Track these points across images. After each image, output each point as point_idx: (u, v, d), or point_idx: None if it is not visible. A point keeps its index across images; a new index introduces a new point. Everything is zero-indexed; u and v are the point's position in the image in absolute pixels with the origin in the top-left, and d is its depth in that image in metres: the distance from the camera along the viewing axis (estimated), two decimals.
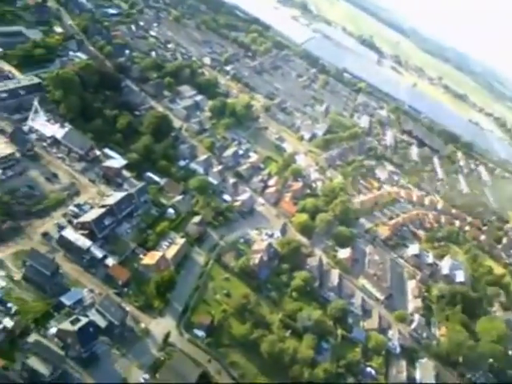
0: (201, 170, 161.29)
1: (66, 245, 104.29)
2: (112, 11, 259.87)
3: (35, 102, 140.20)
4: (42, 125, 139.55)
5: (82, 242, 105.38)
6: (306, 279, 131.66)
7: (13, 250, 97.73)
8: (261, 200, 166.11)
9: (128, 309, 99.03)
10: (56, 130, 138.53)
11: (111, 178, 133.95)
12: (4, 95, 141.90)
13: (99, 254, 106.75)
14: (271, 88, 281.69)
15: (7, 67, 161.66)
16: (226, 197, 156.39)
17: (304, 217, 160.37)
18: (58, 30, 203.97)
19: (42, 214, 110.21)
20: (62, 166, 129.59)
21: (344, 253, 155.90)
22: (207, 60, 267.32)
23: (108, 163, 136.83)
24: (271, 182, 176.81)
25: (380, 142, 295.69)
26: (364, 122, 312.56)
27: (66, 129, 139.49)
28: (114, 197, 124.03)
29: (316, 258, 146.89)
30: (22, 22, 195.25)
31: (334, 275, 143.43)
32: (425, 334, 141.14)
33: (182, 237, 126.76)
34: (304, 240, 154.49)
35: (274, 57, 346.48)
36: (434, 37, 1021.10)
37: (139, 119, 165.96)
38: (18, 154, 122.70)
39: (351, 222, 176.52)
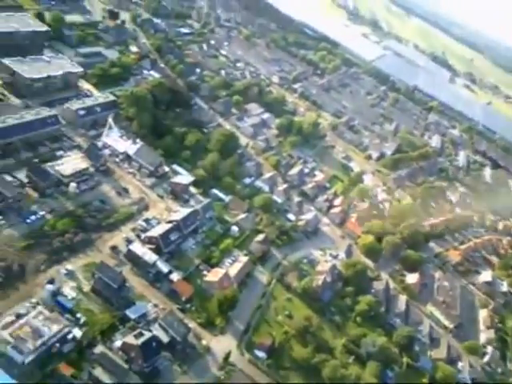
0: (266, 188, 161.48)
1: (134, 258, 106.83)
2: (185, 31, 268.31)
3: (110, 119, 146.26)
4: (115, 141, 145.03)
5: (149, 256, 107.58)
6: (372, 304, 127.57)
7: (83, 261, 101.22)
8: (326, 220, 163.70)
9: (190, 325, 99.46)
10: (128, 146, 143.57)
11: (178, 194, 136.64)
12: (82, 112, 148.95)
13: (164, 268, 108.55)
14: (339, 106, 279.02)
15: (86, 86, 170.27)
16: (291, 216, 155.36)
17: (370, 238, 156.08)
18: (134, 49, 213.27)
19: (112, 228, 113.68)
20: (132, 181, 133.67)
21: (412, 278, 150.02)
22: (275, 78, 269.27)
23: (176, 179, 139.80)
24: (337, 202, 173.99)
25: (452, 162, 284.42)
26: (435, 141, 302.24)
27: (138, 145, 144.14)
28: (181, 213, 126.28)
29: (382, 281, 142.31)
30: (101, 43, 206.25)
31: (401, 301, 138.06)
32: (499, 369, 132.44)
33: (246, 255, 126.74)
34: (370, 263, 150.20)
35: (342, 74, 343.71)
36: (510, 52, 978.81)
37: (207, 136, 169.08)
38: (92, 169, 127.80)
39: (420, 245, 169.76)
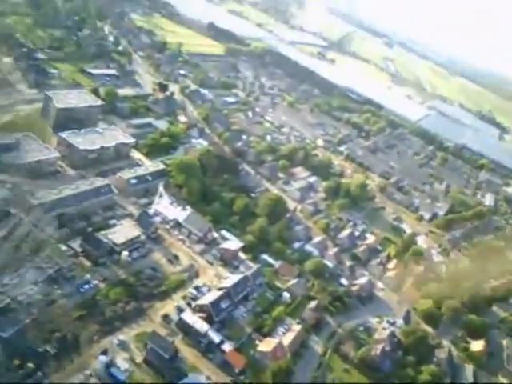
0: (316, 252, 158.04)
1: (185, 328, 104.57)
2: (230, 100, 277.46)
3: (160, 187, 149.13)
4: (166, 208, 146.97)
5: (200, 325, 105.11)
6: (435, 374, 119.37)
7: (135, 331, 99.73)
8: (380, 284, 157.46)
9: None
10: (178, 213, 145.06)
11: (228, 260, 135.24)
12: (133, 181, 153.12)
13: (216, 338, 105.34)
14: (386, 167, 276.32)
15: (137, 155, 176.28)
16: (343, 281, 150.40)
17: (428, 303, 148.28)
18: (182, 119, 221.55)
19: (163, 296, 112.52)
20: (182, 248, 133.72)
21: (477, 345, 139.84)
22: (320, 142, 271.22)
23: (225, 245, 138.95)
24: (391, 265, 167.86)
25: (508, 221, 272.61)
26: (489, 199, 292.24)
27: (187, 212, 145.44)
28: (231, 279, 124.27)
29: (444, 349, 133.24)
30: (152, 114, 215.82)
31: (468, 371, 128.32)
32: None
33: (299, 323, 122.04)
34: (429, 329, 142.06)
35: (388, 136, 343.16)
36: None
37: (255, 201, 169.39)
38: (143, 237, 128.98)
39: (482, 310, 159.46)
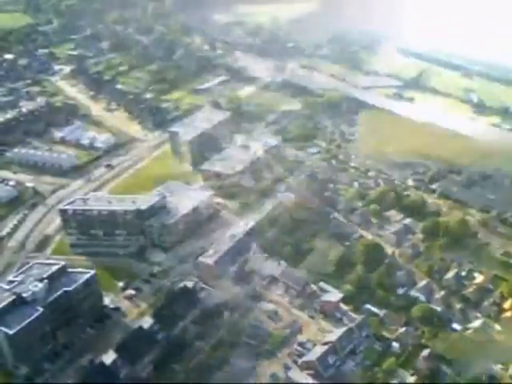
0: (422, 297, 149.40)
1: None
2: (312, 150, 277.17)
3: (253, 245, 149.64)
4: (261, 265, 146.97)
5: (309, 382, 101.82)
6: None
7: None
8: (497, 327, 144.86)
9: None
10: (273, 269, 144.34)
11: (329, 313, 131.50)
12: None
13: None
14: (485, 200, 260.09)
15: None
16: (455, 325, 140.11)
17: None
18: (267, 175, 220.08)
19: (269, 355, 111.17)
20: (281, 303, 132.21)
21: None
22: (410, 182, 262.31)
23: (325, 297, 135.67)
24: (506, 305, 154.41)
25: None
26: None
27: (282, 267, 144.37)
28: (335, 333, 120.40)
29: None
30: None
31: None
32: None
33: (412, 374, 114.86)
34: None
35: (481, 167, 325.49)
36: None
37: (350, 250, 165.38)
38: (242, 294, 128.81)
39: None
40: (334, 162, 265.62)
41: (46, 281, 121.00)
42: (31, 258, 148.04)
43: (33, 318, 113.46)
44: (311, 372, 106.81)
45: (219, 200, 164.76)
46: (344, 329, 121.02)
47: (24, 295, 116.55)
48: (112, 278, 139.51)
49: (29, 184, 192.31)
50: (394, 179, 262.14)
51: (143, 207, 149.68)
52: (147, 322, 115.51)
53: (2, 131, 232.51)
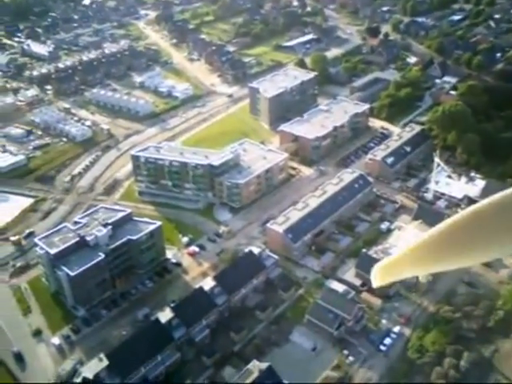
0: None
1: None
2: (457, 17, 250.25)
3: (436, 158, 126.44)
4: (447, 185, 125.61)
5: None
6: None
7: None
8: None
9: None
10: (466, 187, 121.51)
11: None
12: (390, 160, 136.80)
13: None
14: None
15: (378, 123, 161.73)
16: None
17: None
18: (412, 60, 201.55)
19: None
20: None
21: None
22: None
23: None
24: None
25: None
26: None
27: (480, 182, 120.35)
28: None
29: None
30: (374, 68, 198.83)
31: None
32: None
33: None
34: None
35: None
36: None
37: None
38: None
39: None
40: (491, 23, 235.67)
41: (110, 227, 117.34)
42: (98, 201, 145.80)
43: (94, 262, 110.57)
44: None
45: (295, 165, 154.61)
46: None
47: (87, 239, 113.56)
48: (176, 231, 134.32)
49: (104, 126, 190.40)
50: None
51: (216, 163, 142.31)
52: (208, 283, 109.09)
53: (84, 71, 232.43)
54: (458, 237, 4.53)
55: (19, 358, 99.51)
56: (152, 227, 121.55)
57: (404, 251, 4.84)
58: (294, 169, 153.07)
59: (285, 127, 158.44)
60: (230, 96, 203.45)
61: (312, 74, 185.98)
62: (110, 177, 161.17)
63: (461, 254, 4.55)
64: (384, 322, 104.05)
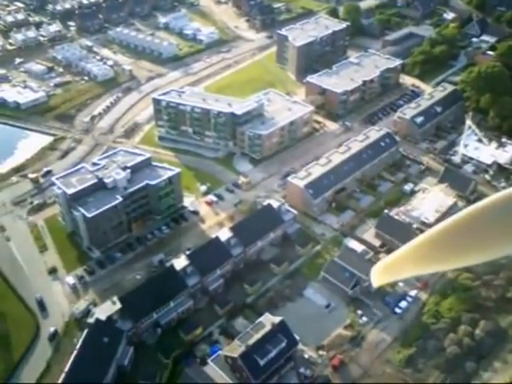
0: None
1: None
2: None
3: (468, 120, 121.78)
4: (476, 149, 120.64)
5: None
6: None
7: None
8: None
9: None
10: (496, 153, 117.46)
11: None
12: (419, 119, 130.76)
13: None
14: None
15: (409, 81, 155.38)
16: None
17: None
18: (449, 16, 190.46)
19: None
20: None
21: None
22: None
23: None
24: None
25: None
26: None
27: (510, 148, 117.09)
28: None
29: None
30: (408, 22, 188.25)
31: None
32: None
33: None
34: None
35: None
36: None
37: None
38: (460, 203, 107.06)
39: None
40: None
41: (129, 170, 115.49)
42: (117, 144, 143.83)
43: (111, 205, 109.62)
44: None
45: (319, 119, 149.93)
46: None
47: (106, 181, 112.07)
48: (195, 179, 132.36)
49: (126, 67, 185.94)
50: None
51: (238, 112, 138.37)
52: (225, 234, 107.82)
53: (108, 8, 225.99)
54: (457, 237, 4.58)
55: (41, 304, 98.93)
56: (171, 173, 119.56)
57: (404, 251, 4.89)
58: (318, 123, 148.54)
59: (312, 79, 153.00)
60: (257, 42, 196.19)
61: (344, 25, 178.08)
62: (130, 119, 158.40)
63: (460, 253, 4.61)
64: (401, 285, 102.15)
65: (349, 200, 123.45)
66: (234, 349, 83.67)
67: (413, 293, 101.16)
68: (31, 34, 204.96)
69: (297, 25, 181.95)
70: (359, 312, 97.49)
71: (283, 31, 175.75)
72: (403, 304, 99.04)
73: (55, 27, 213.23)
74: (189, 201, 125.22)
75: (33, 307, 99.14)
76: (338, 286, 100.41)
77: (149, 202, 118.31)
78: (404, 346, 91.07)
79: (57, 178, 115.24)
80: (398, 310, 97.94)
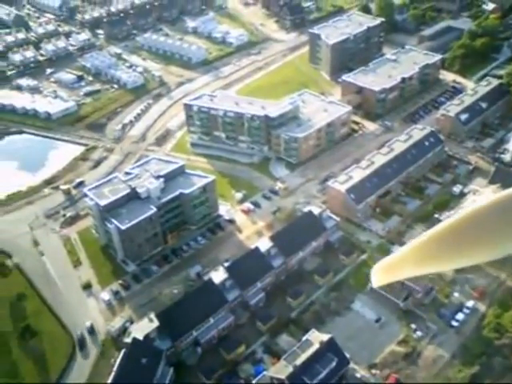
0: None
1: None
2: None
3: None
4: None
5: None
6: None
7: None
8: None
9: None
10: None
11: None
12: (464, 117, 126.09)
13: None
14: None
15: (450, 77, 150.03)
16: None
17: None
18: (489, 6, 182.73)
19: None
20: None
21: None
22: None
23: None
24: None
25: None
26: None
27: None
28: None
29: None
30: (444, 15, 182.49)
31: None
32: None
33: None
34: None
35: None
36: None
37: None
38: None
39: None
40: None
41: (162, 179, 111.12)
42: (149, 152, 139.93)
43: (145, 216, 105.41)
44: None
45: (358, 119, 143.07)
46: None
47: (139, 191, 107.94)
48: (230, 187, 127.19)
49: (156, 73, 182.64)
50: None
51: (273, 114, 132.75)
52: (264, 243, 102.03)
53: (136, 15, 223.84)
54: (457, 237, 4.54)
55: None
56: (205, 181, 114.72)
57: (404, 251, 4.78)
58: (356, 123, 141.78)
59: (347, 77, 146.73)
60: (289, 43, 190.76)
61: (378, 21, 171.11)
62: (161, 126, 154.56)
63: (461, 254, 4.57)
64: (456, 295, 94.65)
65: (394, 204, 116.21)
66: (281, 369, 77.84)
67: (470, 303, 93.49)
68: (61, 43, 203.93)
69: (329, 22, 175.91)
70: (413, 326, 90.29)
71: (315, 30, 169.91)
72: (460, 316, 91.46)
73: (84, 36, 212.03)
74: (224, 209, 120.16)
75: (68, 325, 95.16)
76: (388, 298, 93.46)
77: (183, 212, 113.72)
78: (465, 363, 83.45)
79: (89, 189, 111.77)
80: (454, 323, 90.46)
